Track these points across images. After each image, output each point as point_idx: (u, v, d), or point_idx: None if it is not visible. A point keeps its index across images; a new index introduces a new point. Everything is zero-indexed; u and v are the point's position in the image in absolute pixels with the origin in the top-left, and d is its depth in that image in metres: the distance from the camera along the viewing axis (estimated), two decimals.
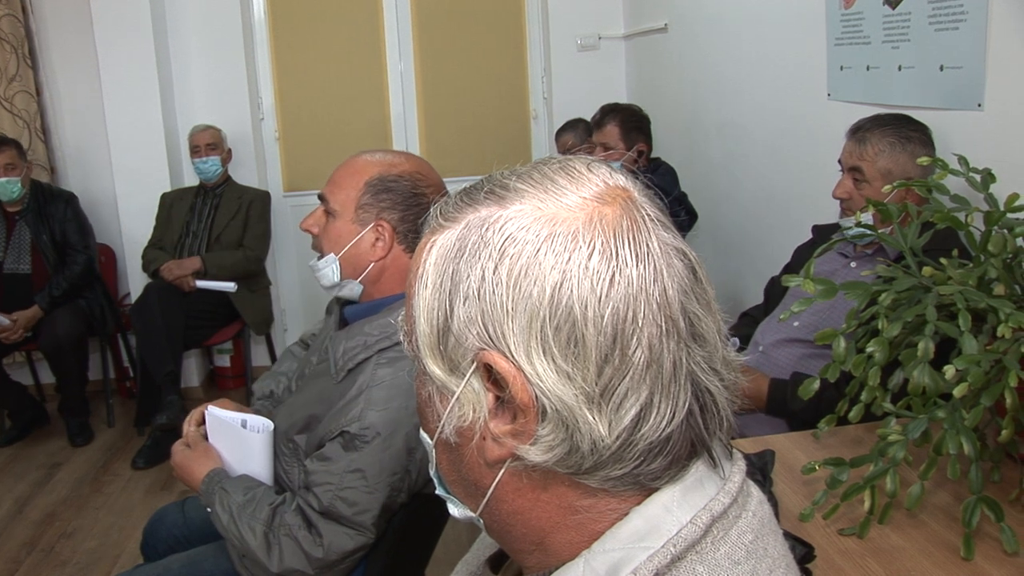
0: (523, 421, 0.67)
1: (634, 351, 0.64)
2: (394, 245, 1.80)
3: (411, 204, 1.79)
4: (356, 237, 1.80)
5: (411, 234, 1.80)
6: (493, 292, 0.65)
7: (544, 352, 0.64)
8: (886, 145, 2.23)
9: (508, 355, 0.65)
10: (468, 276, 0.67)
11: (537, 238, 0.65)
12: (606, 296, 0.64)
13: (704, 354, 0.69)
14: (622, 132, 3.79)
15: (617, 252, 0.65)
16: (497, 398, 0.68)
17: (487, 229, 0.67)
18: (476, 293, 0.66)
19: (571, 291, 0.64)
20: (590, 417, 0.65)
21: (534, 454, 0.67)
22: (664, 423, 0.67)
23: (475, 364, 0.68)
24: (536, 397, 0.65)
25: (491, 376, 0.67)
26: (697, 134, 4.20)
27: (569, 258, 0.64)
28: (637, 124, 3.84)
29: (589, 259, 0.64)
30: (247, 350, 4.90)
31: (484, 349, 0.66)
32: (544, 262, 0.64)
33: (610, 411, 0.65)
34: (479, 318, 0.66)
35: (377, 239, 1.80)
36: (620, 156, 3.73)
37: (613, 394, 0.65)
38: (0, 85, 4.88)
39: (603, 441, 0.66)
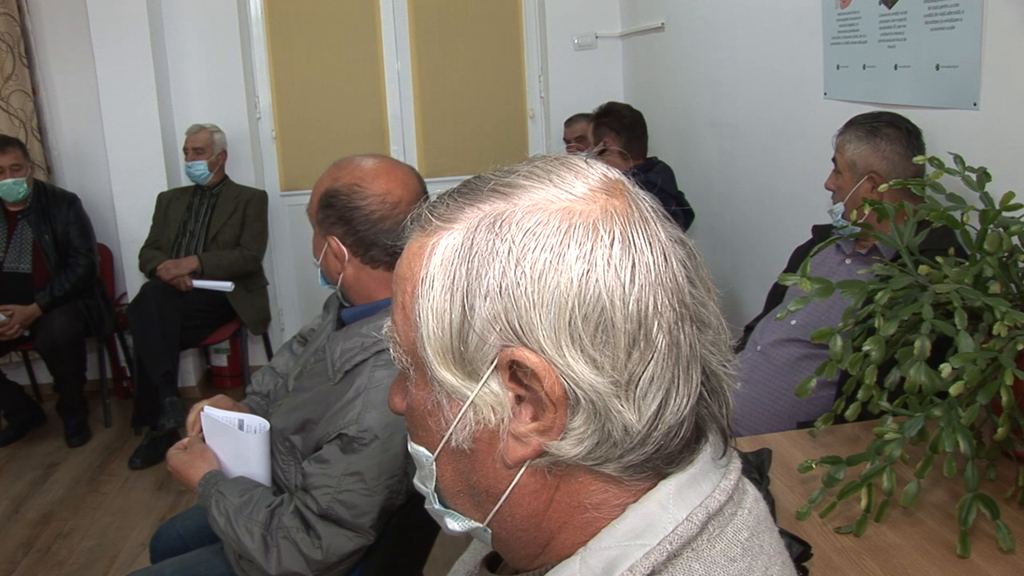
0: (552, 416, 0.67)
1: (656, 336, 0.66)
2: (349, 257, 1.78)
3: (348, 219, 1.75)
4: (323, 249, 1.81)
5: (359, 247, 1.76)
6: (517, 287, 0.65)
7: (573, 342, 0.65)
8: (853, 137, 2.29)
9: (537, 349, 0.65)
10: (487, 274, 0.66)
11: (558, 231, 0.66)
12: (630, 283, 0.65)
13: (710, 337, 0.71)
14: (594, 129, 3.86)
15: (633, 241, 0.66)
16: (518, 397, 0.68)
17: (501, 225, 0.67)
18: (498, 290, 0.66)
19: (598, 280, 0.65)
20: (619, 404, 0.66)
21: (565, 448, 0.68)
22: (683, 405, 0.68)
23: (495, 364, 0.67)
24: (568, 389, 0.66)
25: (512, 374, 0.67)
26: (693, 133, 4.20)
27: (592, 248, 0.65)
28: (605, 120, 3.87)
29: (611, 248, 0.65)
30: (244, 350, 4.90)
31: (508, 347, 0.66)
32: (568, 254, 0.65)
33: (638, 397, 0.66)
34: (503, 315, 0.66)
35: (335, 254, 1.79)
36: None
37: (640, 380, 0.66)
38: None
39: (633, 427, 0.67)
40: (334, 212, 1.77)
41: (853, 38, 2.69)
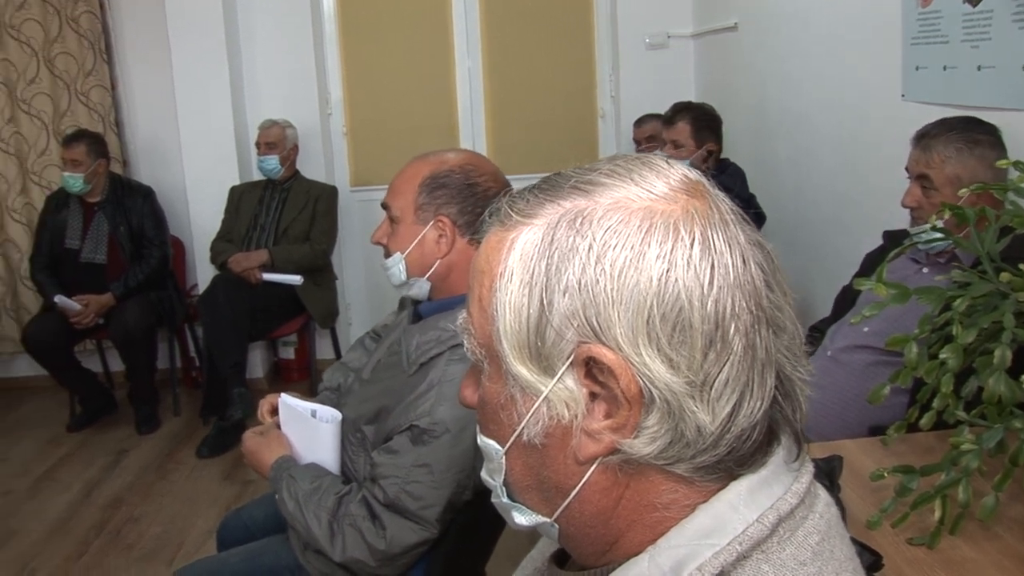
0: (626, 414, 0.67)
1: (732, 338, 0.65)
2: (456, 239, 1.81)
3: (467, 196, 1.81)
4: (419, 236, 1.82)
5: (473, 225, 1.81)
6: (596, 283, 0.65)
7: (650, 341, 0.65)
8: (953, 151, 2.15)
9: (614, 347, 0.65)
10: (566, 270, 0.66)
11: (639, 230, 0.66)
12: (709, 284, 0.65)
13: (784, 342, 0.70)
14: (693, 130, 3.77)
15: (713, 243, 0.66)
16: (592, 393, 0.68)
17: (581, 222, 0.67)
18: (577, 286, 0.66)
19: (677, 280, 0.65)
20: (694, 405, 0.66)
21: (638, 446, 0.67)
22: (757, 409, 0.68)
23: (571, 360, 0.67)
24: (643, 388, 0.66)
25: (588, 371, 0.67)
26: (766, 134, 4.15)
27: (672, 248, 0.65)
28: (708, 123, 3.82)
29: (691, 248, 0.65)
30: (312, 343, 4.95)
31: (585, 343, 0.66)
32: (649, 253, 0.65)
33: (712, 398, 0.66)
34: (581, 311, 0.66)
35: (440, 236, 1.81)
36: (690, 155, 3.71)
37: (715, 381, 0.66)
38: (77, 80, 5.03)
39: (707, 428, 0.66)
40: (447, 192, 1.80)
41: (934, 38, 2.62)
